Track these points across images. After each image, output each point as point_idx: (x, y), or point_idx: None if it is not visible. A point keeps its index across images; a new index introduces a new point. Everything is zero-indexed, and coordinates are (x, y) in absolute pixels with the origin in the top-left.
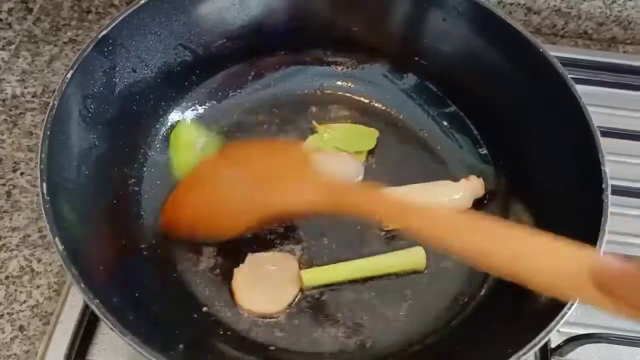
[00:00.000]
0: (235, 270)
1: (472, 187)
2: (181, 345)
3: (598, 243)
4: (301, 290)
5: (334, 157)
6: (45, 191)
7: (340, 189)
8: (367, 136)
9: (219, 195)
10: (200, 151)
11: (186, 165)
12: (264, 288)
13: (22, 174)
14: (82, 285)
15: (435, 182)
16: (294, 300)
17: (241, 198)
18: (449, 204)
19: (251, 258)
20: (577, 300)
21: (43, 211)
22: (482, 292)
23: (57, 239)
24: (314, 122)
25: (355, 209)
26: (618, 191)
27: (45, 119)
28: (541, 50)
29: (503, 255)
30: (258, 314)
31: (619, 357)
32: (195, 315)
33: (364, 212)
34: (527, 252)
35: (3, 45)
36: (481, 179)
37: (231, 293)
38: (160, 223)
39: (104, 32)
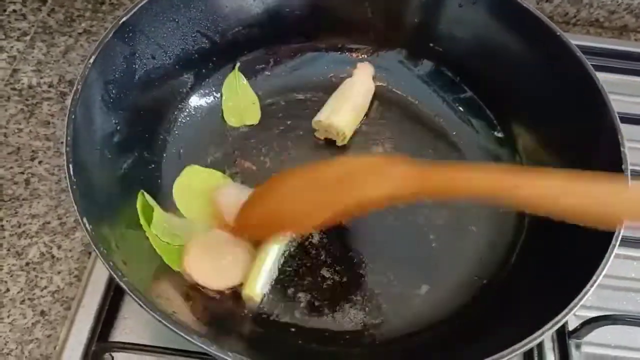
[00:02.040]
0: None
1: (366, 71)
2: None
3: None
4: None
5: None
6: (71, 172)
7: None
8: None
9: (291, 196)
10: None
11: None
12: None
13: (40, 162)
14: (111, 264)
15: (339, 90)
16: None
17: (315, 194)
18: (364, 99)
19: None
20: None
21: (70, 192)
22: (502, 274)
23: (84, 219)
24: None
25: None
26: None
27: (70, 103)
28: (558, 34)
29: None
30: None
31: (635, 339)
32: (217, 297)
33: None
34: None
35: (18, 36)
36: (366, 62)
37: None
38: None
39: (124, 19)
